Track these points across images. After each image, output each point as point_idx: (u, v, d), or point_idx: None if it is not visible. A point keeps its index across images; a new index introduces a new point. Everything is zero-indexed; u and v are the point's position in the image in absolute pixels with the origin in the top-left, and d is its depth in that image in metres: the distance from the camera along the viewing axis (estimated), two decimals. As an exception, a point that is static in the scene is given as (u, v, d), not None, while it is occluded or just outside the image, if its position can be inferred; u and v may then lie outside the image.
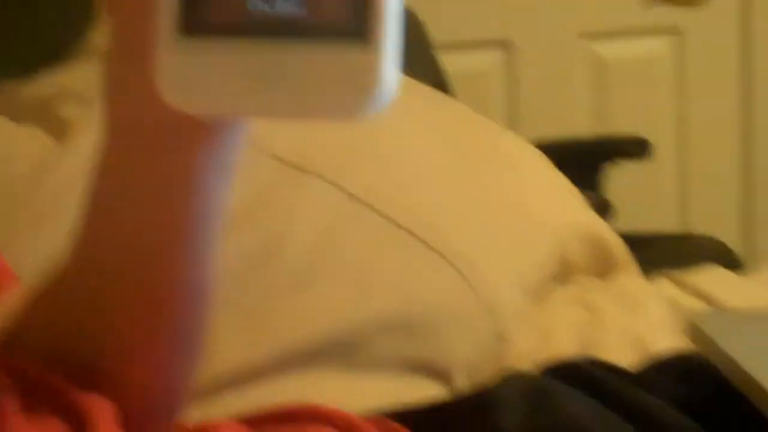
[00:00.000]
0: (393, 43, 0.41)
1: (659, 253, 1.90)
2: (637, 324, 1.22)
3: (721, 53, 2.80)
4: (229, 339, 0.98)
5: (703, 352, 0.92)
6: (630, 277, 1.43)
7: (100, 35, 1.38)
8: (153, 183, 0.53)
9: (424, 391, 1.05)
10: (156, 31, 0.41)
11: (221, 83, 0.41)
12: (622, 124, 2.76)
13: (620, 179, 2.71)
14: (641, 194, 2.80)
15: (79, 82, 1.26)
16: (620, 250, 1.43)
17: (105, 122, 0.53)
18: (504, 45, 2.77)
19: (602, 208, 1.88)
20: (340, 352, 1.02)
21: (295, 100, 0.40)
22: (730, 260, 1.94)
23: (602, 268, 1.40)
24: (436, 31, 2.25)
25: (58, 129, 1.20)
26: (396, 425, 0.78)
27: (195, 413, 0.67)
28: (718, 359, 0.87)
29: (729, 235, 2.53)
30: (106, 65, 0.51)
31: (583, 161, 2.33)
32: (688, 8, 2.59)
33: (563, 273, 1.33)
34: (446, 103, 1.48)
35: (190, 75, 0.41)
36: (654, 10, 2.77)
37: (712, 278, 1.35)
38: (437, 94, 1.52)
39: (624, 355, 1.13)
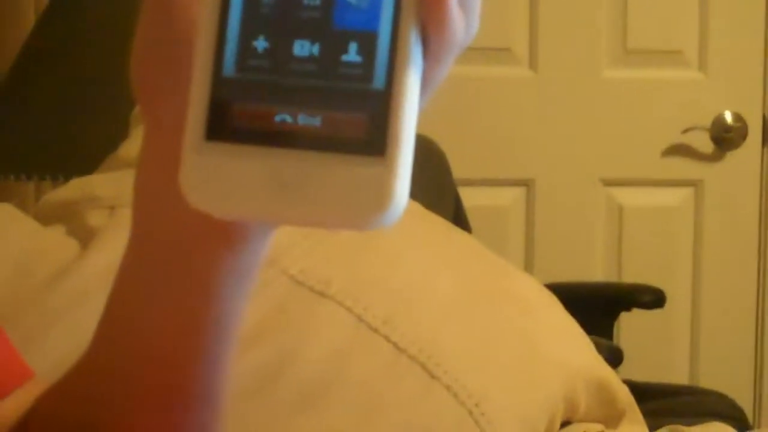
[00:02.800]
0: (408, 160, 0.42)
1: (665, 405, 1.90)
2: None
3: (740, 207, 2.82)
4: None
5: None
6: (634, 426, 1.43)
7: (131, 146, 1.41)
8: (174, 287, 0.55)
9: None
10: (184, 135, 0.43)
11: (243, 188, 0.42)
12: (638, 272, 2.76)
13: (633, 327, 2.71)
14: (653, 344, 2.80)
15: (106, 189, 1.29)
16: (626, 398, 1.43)
17: (131, 224, 0.55)
18: (526, 183, 2.80)
19: (612, 355, 1.88)
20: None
21: (311, 208, 0.42)
22: (737, 417, 1.94)
23: (606, 414, 1.40)
24: (462, 166, 2.28)
25: (82, 233, 1.22)
26: None
27: None
28: None
29: (739, 391, 2.52)
30: (137, 168, 0.53)
31: (596, 307, 2.34)
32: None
33: (567, 414, 1.33)
34: (463, 238, 1.49)
35: (214, 178, 0.43)
36: (674, 162, 2.80)
37: (716, 434, 1.34)
38: (454, 230, 1.54)
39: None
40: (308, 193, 0.42)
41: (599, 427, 1.38)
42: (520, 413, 1.22)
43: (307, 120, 0.42)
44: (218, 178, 0.42)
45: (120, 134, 1.49)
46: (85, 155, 1.63)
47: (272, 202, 0.42)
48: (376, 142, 0.42)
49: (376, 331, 1.13)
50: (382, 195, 0.42)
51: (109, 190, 1.28)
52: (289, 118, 0.42)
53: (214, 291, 0.54)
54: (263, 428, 1.03)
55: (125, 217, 1.20)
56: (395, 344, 1.13)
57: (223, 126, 0.43)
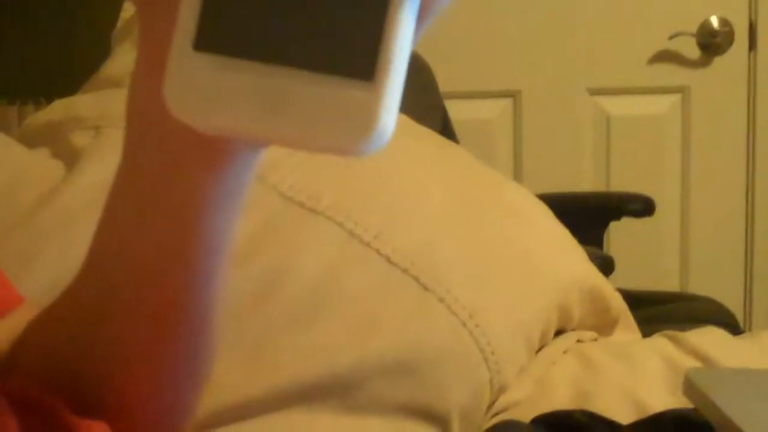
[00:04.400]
0: (397, 87, 0.41)
1: (658, 312, 1.90)
2: (633, 379, 1.22)
3: (728, 112, 2.81)
4: (230, 372, 0.98)
5: (697, 407, 0.92)
6: (627, 333, 1.43)
7: (114, 65, 1.39)
8: (163, 205, 0.54)
9: (419, 435, 1.05)
10: (172, 42, 0.42)
11: (227, 102, 0.41)
12: (626, 181, 2.77)
13: (622, 236, 2.72)
14: (643, 252, 2.81)
15: (90, 110, 1.27)
16: (619, 305, 1.44)
17: (123, 141, 0.54)
18: (512, 95, 2.79)
19: (603, 263, 1.88)
20: (337, 392, 1.02)
21: (296, 128, 0.41)
22: (728, 322, 1.95)
23: (600, 322, 1.41)
24: (447, 79, 2.26)
25: (67, 154, 1.21)
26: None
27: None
28: (712, 415, 0.88)
29: (729, 296, 2.53)
30: (130, 82, 0.52)
31: (585, 216, 2.34)
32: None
33: (561, 324, 1.33)
34: (453, 150, 1.49)
35: (198, 90, 0.41)
36: (661, 69, 2.78)
37: (709, 339, 1.35)
38: (445, 142, 1.53)
39: (618, 410, 1.13)
40: (293, 112, 0.41)
41: (593, 335, 1.39)
42: (515, 324, 1.22)
43: (299, 37, 0.41)
44: (203, 90, 0.41)
45: (102, 54, 1.47)
46: (68, 77, 1.61)
47: (255, 119, 0.41)
48: (365, 65, 0.41)
49: (368, 245, 1.13)
50: (366, 120, 0.40)
51: (93, 110, 1.27)
52: (280, 34, 0.41)
53: (203, 209, 0.54)
54: (258, 345, 1.03)
55: (110, 138, 1.19)
56: (387, 258, 1.13)
57: (212, 36, 0.41)
